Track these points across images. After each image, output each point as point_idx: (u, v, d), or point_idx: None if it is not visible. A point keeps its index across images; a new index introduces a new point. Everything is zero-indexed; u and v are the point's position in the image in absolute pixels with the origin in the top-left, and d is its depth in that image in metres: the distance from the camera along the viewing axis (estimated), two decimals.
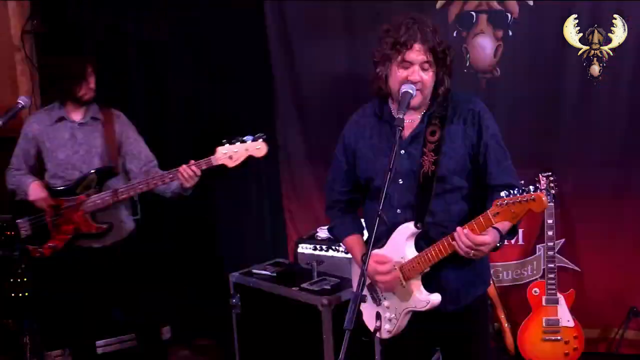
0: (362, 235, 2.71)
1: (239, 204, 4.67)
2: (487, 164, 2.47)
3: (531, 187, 2.14)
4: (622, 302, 4.03)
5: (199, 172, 3.27)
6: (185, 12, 4.51)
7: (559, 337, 3.90)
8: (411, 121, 2.49)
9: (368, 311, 2.65)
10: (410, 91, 2.39)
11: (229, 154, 3.23)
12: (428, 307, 2.46)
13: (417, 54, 2.38)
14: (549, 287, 3.89)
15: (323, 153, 4.15)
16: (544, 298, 3.91)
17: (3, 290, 4.09)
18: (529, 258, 4.17)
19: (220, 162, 3.25)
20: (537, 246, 4.12)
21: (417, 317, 2.53)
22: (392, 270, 2.48)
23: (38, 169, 3.64)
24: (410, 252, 2.46)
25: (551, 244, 3.87)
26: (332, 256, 3.90)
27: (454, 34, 4.05)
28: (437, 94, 2.48)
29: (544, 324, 3.91)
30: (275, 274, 3.75)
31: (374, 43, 2.52)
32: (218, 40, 4.51)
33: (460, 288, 2.52)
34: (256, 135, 3.23)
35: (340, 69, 4.29)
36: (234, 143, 3.23)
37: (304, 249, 4.04)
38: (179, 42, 4.58)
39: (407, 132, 2.49)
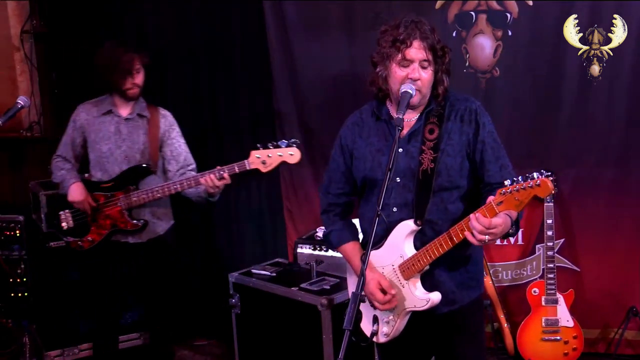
0: (359, 241, 2.69)
1: (238, 204, 4.66)
2: (484, 162, 2.45)
3: (535, 174, 2.11)
4: (622, 302, 4.02)
5: (228, 179, 3.30)
6: (183, 12, 4.51)
7: (558, 337, 3.90)
8: (409, 120, 2.47)
9: (364, 315, 2.63)
10: (410, 91, 2.37)
11: (262, 158, 3.26)
12: (428, 305, 2.44)
13: (416, 51, 2.38)
14: (548, 287, 3.89)
15: (323, 153, 4.15)
16: (543, 298, 3.91)
17: (2, 290, 4.09)
18: (528, 258, 4.17)
19: (253, 167, 3.28)
20: (537, 246, 4.12)
21: (413, 320, 2.52)
22: (393, 298, 2.46)
23: (84, 158, 3.69)
24: (410, 250, 2.45)
25: (550, 244, 3.87)
26: (332, 256, 3.89)
27: (454, 34, 4.05)
28: (437, 93, 2.47)
29: (543, 324, 3.91)
30: (274, 274, 3.75)
31: (374, 43, 2.51)
32: (217, 40, 4.51)
33: (454, 290, 2.50)
34: (290, 141, 3.25)
35: (340, 68, 4.28)
36: (268, 148, 3.25)
37: (303, 249, 4.03)
38: (178, 43, 4.57)
39: (404, 131, 2.47)
